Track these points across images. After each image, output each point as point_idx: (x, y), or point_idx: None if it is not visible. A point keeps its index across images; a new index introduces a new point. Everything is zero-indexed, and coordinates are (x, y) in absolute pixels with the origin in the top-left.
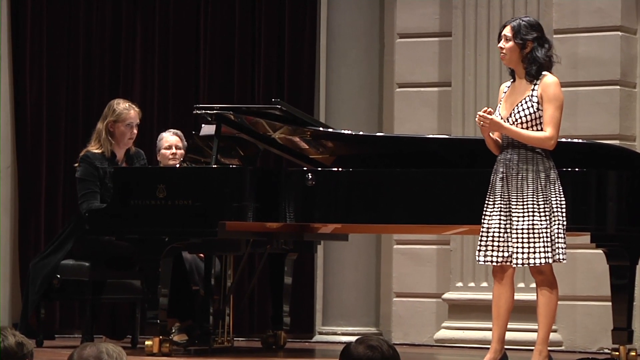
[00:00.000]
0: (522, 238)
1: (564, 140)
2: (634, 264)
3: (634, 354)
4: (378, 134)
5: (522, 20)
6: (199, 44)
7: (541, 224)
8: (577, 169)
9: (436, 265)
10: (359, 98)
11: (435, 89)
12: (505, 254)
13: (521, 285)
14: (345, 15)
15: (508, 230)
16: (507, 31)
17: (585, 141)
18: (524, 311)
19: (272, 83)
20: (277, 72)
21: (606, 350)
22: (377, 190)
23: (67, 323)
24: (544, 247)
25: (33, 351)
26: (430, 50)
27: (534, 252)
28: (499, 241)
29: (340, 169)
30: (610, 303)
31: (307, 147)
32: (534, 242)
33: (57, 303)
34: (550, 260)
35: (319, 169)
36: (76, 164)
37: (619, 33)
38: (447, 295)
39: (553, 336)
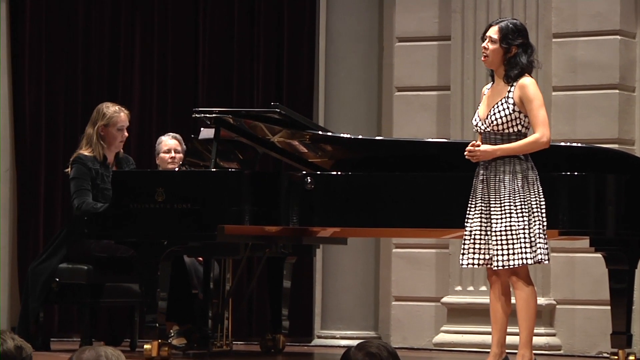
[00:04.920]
0: (501, 240)
1: (563, 144)
2: (633, 267)
3: (632, 358)
4: (377, 137)
5: (510, 24)
6: (198, 47)
7: (519, 225)
8: (576, 173)
9: (435, 269)
10: (358, 102)
11: (434, 92)
12: (487, 257)
13: None
14: (344, 19)
15: (488, 233)
16: (494, 33)
17: (584, 145)
18: None
19: (271, 87)
20: (276, 76)
21: (605, 354)
22: (376, 194)
23: (65, 327)
24: (522, 247)
25: (32, 355)
26: (429, 54)
27: (513, 254)
28: (480, 244)
29: (339, 173)
30: (609, 307)
31: (306, 150)
32: (513, 243)
33: (55, 307)
34: (531, 261)
35: (318, 172)
36: (67, 169)
37: (618, 37)
38: (446, 299)
39: (552, 340)
